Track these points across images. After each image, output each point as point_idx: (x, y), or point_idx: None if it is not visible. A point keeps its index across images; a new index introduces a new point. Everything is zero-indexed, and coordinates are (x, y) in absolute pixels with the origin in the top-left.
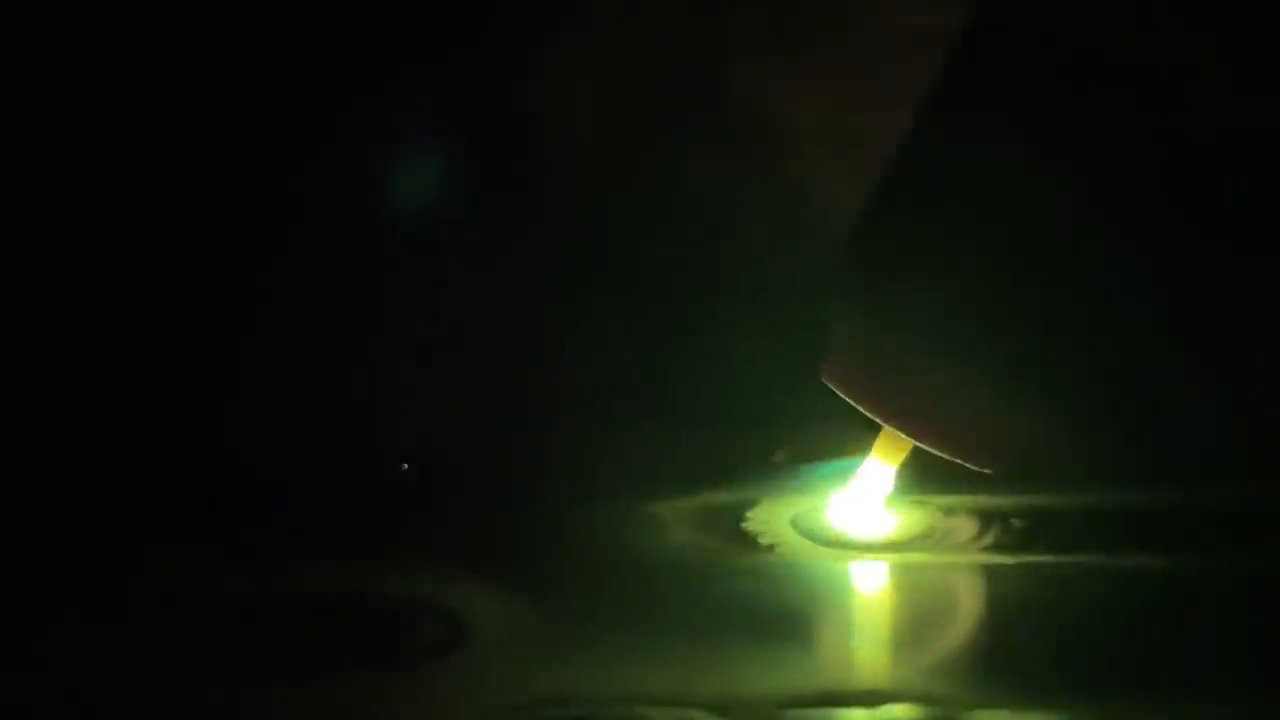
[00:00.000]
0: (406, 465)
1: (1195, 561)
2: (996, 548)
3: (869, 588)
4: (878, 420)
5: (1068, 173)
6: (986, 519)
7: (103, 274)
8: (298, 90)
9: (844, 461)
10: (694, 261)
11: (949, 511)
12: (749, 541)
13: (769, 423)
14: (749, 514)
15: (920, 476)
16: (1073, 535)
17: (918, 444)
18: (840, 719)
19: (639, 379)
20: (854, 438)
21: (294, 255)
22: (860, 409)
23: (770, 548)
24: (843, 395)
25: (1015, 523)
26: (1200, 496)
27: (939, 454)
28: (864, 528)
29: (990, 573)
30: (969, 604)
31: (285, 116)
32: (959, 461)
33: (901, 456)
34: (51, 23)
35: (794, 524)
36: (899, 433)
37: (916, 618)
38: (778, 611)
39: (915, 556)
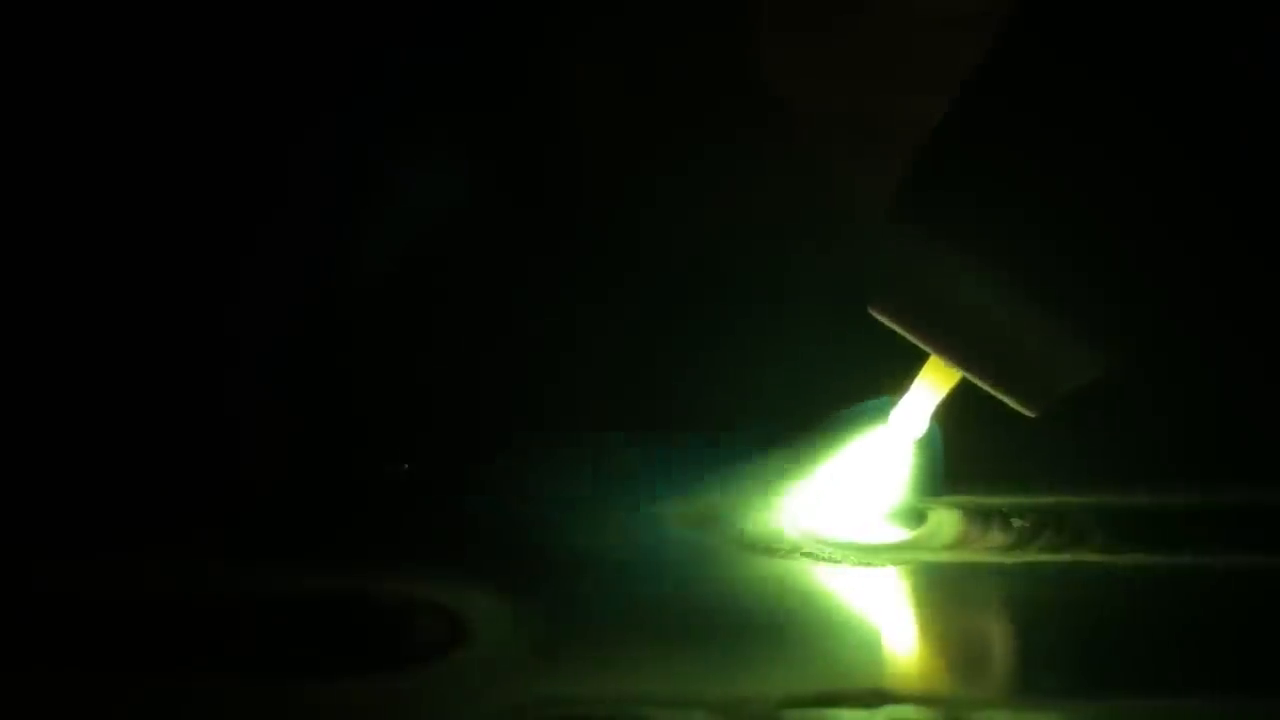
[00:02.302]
0: (407, 465)
1: (1196, 561)
2: (997, 548)
3: (868, 588)
4: (927, 349)
5: (1133, 120)
6: (987, 519)
7: (102, 273)
8: (303, 88)
9: (881, 400)
10: (697, 262)
11: (949, 512)
12: (749, 543)
13: (769, 423)
14: (749, 515)
15: (919, 477)
16: (1073, 535)
17: (965, 375)
18: None
19: (640, 379)
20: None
21: (293, 254)
22: (910, 337)
23: (771, 549)
24: (892, 325)
25: (1016, 523)
26: (1202, 496)
27: (984, 386)
28: (864, 528)
29: (990, 573)
30: (969, 604)
31: (289, 114)
32: (1001, 397)
33: (944, 393)
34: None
35: (794, 525)
36: (948, 362)
37: (917, 618)
38: (778, 612)
39: (916, 557)
